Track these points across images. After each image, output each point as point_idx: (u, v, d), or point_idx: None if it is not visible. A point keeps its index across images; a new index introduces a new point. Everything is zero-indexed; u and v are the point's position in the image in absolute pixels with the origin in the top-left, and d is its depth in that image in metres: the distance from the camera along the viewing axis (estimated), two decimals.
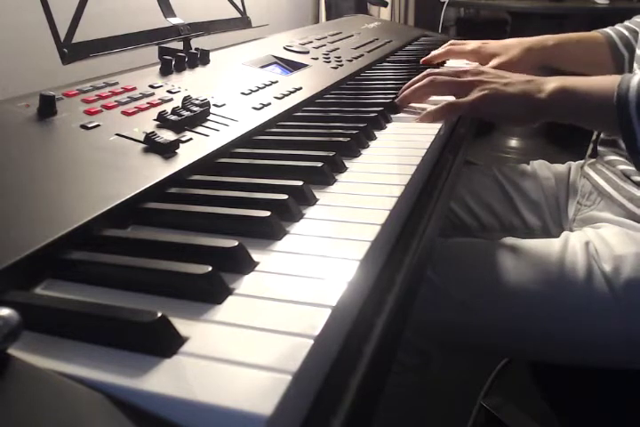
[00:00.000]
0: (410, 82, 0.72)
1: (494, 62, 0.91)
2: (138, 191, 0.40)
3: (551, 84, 0.62)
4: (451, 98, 0.67)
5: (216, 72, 0.71)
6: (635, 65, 0.77)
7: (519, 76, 0.66)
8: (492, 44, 0.94)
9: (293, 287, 0.31)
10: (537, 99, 0.62)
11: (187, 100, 0.57)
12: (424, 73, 0.71)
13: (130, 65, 0.66)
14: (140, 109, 0.54)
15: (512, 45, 0.91)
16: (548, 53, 0.90)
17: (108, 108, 0.53)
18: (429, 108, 0.65)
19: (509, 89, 0.63)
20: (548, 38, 0.92)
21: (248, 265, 0.33)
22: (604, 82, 0.61)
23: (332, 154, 0.50)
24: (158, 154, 0.47)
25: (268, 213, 0.37)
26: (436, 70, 0.71)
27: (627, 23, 0.93)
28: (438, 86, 0.68)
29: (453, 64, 1.01)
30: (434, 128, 0.61)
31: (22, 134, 0.45)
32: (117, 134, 0.48)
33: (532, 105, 0.62)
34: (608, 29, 0.93)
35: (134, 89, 0.58)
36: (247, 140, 0.56)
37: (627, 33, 0.91)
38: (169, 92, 0.60)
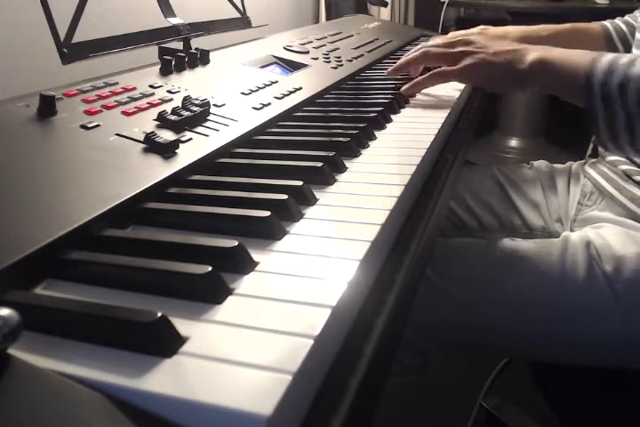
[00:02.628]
0: (405, 55, 0.78)
1: None
2: (138, 191, 0.40)
3: (532, 54, 0.66)
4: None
5: (216, 72, 0.71)
6: (633, 50, 0.78)
7: (507, 44, 0.70)
8: (491, 30, 0.97)
9: (293, 287, 0.31)
10: (518, 69, 0.66)
11: (187, 100, 0.57)
12: (418, 46, 0.77)
13: (130, 65, 0.66)
14: (140, 109, 0.54)
15: (510, 32, 0.94)
16: (542, 42, 0.91)
17: (108, 108, 0.53)
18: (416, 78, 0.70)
19: (495, 58, 0.67)
20: (544, 28, 0.94)
21: (248, 265, 0.33)
22: (581, 57, 0.63)
23: (332, 154, 0.50)
24: (158, 154, 0.46)
25: (267, 213, 0.37)
26: (430, 43, 0.76)
27: (627, 17, 0.94)
28: (431, 58, 0.74)
29: None
30: (434, 128, 0.61)
31: (22, 134, 0.45)
32: (117, 134, 0.48)
33: (514, 74, 0.66)
34: (607, 22, 0.94)
35: (134, 89, 0.58)
36: (247, 140, 0.56)
37: (624, 27, 0.91)
38: (169, 92, 0.60)
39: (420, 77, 0.71)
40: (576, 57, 0.63)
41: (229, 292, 0.31)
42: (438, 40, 0.77)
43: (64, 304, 0.28)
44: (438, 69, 0.69)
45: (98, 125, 0.49)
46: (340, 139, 0.55)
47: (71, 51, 0.58)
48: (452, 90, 0.77)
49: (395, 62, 0.99)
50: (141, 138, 0.48)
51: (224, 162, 0.50)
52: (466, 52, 0.70)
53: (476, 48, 0.70)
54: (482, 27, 0.98)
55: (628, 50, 0.87)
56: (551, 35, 0.92)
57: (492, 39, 0.74)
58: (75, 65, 0.59)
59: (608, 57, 0.60)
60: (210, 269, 0.30)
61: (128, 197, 0.39)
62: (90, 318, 0.27)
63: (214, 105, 0.59)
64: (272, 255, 0.35)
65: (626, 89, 0.57)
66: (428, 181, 0.54)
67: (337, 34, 1.08)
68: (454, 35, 1.00)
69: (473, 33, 0.97)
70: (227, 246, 0.33)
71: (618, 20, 0.94)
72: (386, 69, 0.93)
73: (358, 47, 1.03)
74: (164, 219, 0.39)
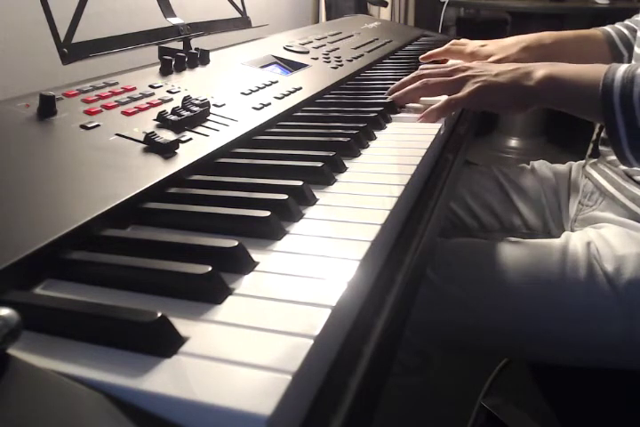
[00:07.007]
0: (400, 82, 0.73)
1: (492, 60, 0.90)
2: (138, 191, 0.40)
3: (540, 71, 0.63)
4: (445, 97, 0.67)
5: (216, 72, 0.71)
6: (633, 62, 0.77)
7: (506, 65, 0.67)
8: (489, 46, 0.94)
9: (293, 287, 0.31)
10: (526, 86, 0.63)
11: (187, 100, 0.57)
12: (415, 74, 0.72)
13: (130, 65, 0.66)
14: (140, 109, 0.54)
15: (510, 45, 0.91)
16: (545, 52, 0.90)
17: (108, 108, 0.53)
18: (431, 106, 0.65)
19: (499, 79, 0.64)
20: (546, 36, 0.91)
21: (248, 265, 0.33)
22: (593, 71, 0.60)
23: (332, 154, 0.50)
24: (158, 154, 0.47)
25: (267, 213, 0.37)
26: (427, 71, 0.71)
27: (627, 22, 0.93)
28: (432, 88, 0.69)
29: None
30: (434, 128, 0.61)
31: (22, 134, 0.45)
32: (117, 134, 0.48)
33: (522, 93, 0.63)
34: (608, 28, 0.93)
35: (134, 89, 0.58)
36: (247, 140, 0.56)
37: (626, 32, 0.91)
38: (169, 92, 0.60)
39: (432, 110, 0.65)
40: (587, 70, 0.61)
41: (229, 292, 0.31)
42: (431, 67, 0.72)
43: (64, 304, 0.28)
44: (445, 100, 0.65)
45: (98, 125, 0.49)
46: (340, 139, 0.55)
47: (71, 51, 0.58)
48: None
49: (395, 63, 1.00)
50: (141, 138, 0.48)
51: (224, 162, 0.50)
52: (467, 77, 0.66)
53: (477, 72, 0.66)
54: (481, 42, 0.95)
55: (631, 54, 0.87)
56: (555, 43, 0.90)
57: (488, 63, 0.71)
58: (75, 65, 0.59)
59: (623, 67, 0.58)
60: (210, 269, 0.30)
61: (128, 197, 0.39)
62: (90, 318, 0.27)
63: (214, 105, 0.59)
64: (272, 255, 0.35)
65: None
66: (428, 181, 0.54)
67: (337, 34, 1.08)
68: (451, 63, 0.97)
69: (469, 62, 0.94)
70: (227, 246, 0.33)
71: (618, 25, 0.93)
72: (386, 69, 0.93)
73: (358, 47, 1.03)
74: (164, 219, 0.39)
